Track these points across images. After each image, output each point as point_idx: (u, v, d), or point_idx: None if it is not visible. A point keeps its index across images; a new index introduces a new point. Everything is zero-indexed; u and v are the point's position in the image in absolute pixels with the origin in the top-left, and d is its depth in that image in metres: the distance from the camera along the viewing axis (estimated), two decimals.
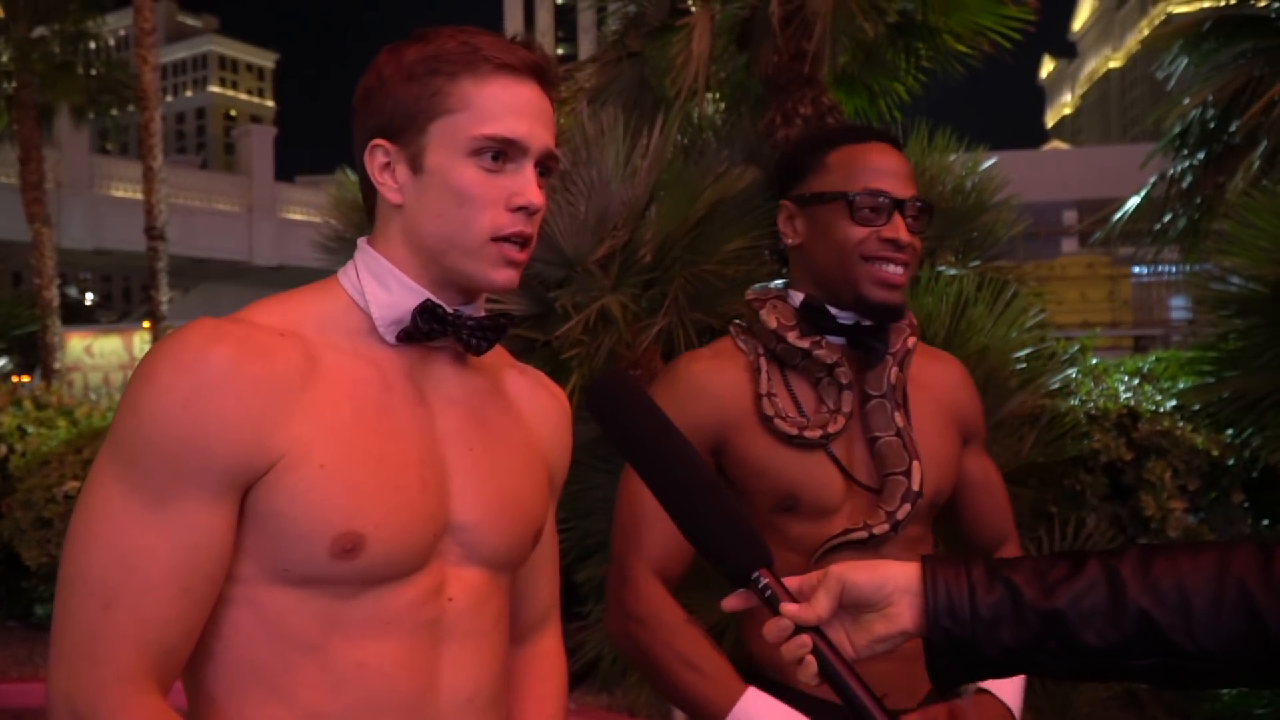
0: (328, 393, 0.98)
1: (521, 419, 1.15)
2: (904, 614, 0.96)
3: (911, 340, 1.47)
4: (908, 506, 1.39)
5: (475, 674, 1.05)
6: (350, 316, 1.05)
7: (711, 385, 1.43)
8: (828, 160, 1.46)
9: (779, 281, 1.54)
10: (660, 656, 1.36)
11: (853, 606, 0.98)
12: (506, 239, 1.02)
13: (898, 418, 1.42)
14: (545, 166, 1.05)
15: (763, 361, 1.45)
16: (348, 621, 0.97)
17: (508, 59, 1.02)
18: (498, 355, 1.17)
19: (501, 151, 1.01)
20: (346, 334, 1.04)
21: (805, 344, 1.42)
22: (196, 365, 0.94)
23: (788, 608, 0.96)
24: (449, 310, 1.04)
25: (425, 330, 1.03)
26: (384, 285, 1.04)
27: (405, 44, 1.05)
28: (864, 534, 1.39)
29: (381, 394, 1.02)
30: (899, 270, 1.40)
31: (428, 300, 1.03)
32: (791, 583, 0.99)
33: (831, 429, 1.41)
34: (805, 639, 0.95)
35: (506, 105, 1.01)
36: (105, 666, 0.90)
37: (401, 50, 1.05)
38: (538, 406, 1.18)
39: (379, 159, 1.04)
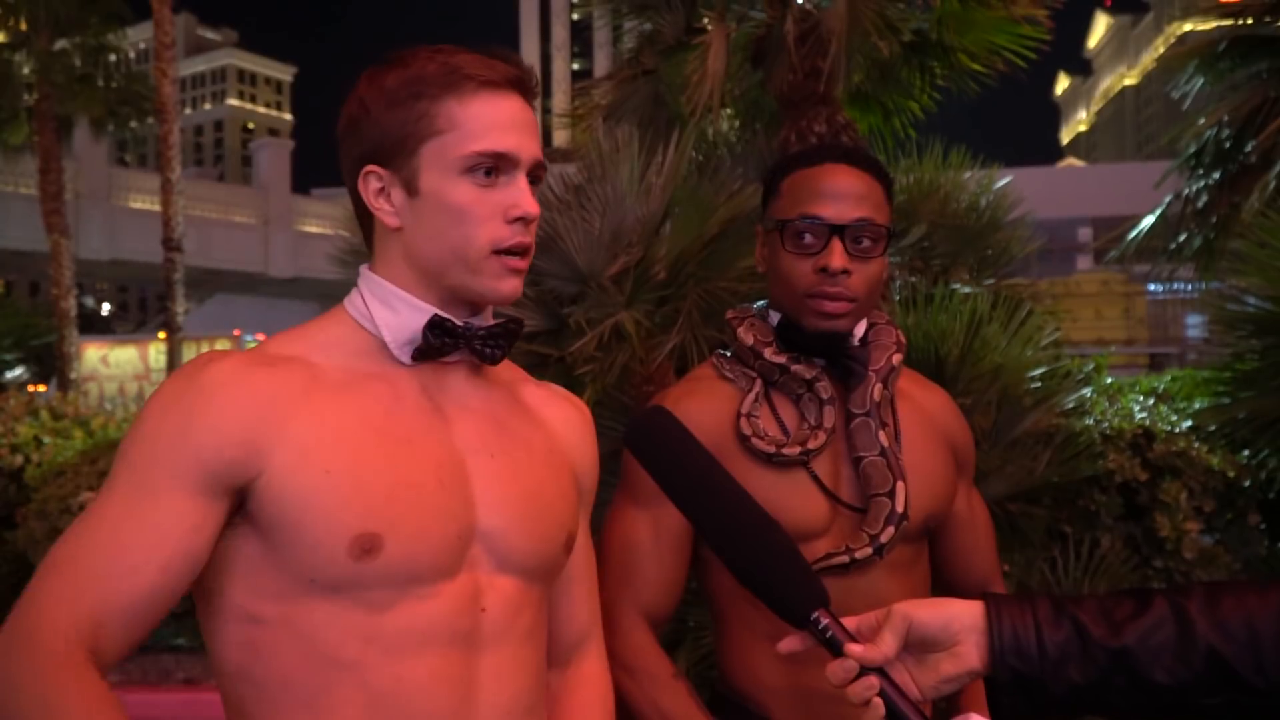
0: (331, 404, 1.00)
1: (543, 426, 1.15)
2: (971, 653, 0.95)
3: (897, 358, 1.42)
4: (892, 529, 1.33)
5: (512, 685, 1.04)
6: (358, 339, 1.06)
7: (690, 418, 1.35)
8: (782, 186, 1.42)
9: (760, 303, 1.50)
10: (642, 710, 1.32)
11: (917, 645, 0.96)
12: (507, 251, 1.03)
13: (882, 436, 1.37)
14: (535, 175, 1.06)
15: (758, 384, 1.41)
16: (384, 635, 0.97)
17: (489, 75, 1.04)
18: (512, 371, 1.17)
19: (494, 166, 1.03)
20: (355, 355, 1.05)
21: (782, 359, 1.39)
22: (196, 375, 1.00)
23: (853, 648, 0.94)
24: (458, 323, 1.05)
25: (438, 345, 1.04)
26: (390, 308, 1.05)
27: (384, 69, 1.06)
28: (845, 559, 1.33)
29: (391, 404, 1.03)
30: (836, 304, 1.35)
31: (436, 315, 1.04)
32: (849, 623, 0.97)
33: (812, 445, 1.36)
34: (873, 680, 0.93)
35: (493, 121, 1.03)
36: (45, 625, 0.88)
37: (381, 76, 1.05)
38: (560, 414, 1.18)
39: (373, 185, 1.05)
